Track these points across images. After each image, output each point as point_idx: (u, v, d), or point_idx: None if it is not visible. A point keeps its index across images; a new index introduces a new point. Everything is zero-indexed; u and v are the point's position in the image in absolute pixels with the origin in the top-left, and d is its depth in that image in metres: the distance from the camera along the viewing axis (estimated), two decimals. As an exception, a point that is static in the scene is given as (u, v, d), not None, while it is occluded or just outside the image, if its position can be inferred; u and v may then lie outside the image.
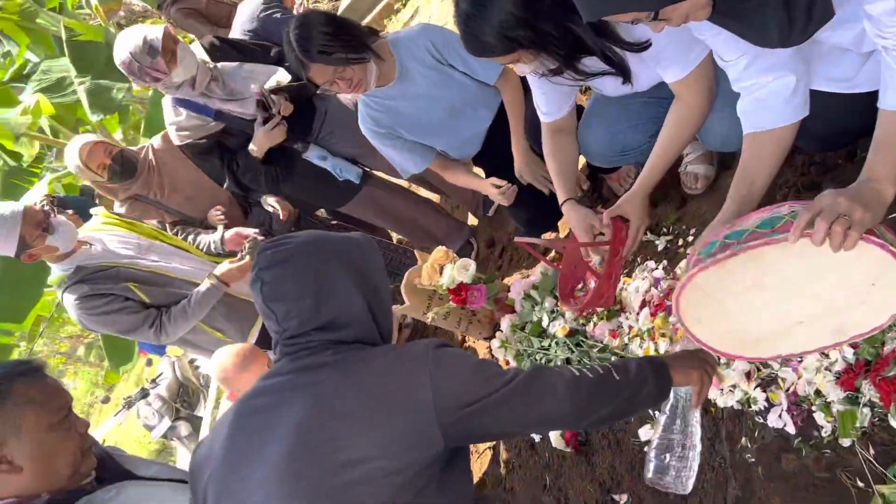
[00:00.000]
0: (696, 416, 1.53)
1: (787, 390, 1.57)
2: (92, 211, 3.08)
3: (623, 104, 2.13)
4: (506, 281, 2.76)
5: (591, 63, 1.83)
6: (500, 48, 1.67)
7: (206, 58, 2.94)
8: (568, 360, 2.19)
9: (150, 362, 8.75)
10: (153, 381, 6.46)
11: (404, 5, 6.05)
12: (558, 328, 2.24)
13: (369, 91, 2.45)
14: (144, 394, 6.26)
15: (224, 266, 2.82)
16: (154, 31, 2.72)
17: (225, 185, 3.08)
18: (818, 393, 1.51)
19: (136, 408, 6.29)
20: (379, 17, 6.04)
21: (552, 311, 2.33)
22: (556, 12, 1.60)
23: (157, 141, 3.29)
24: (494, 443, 2.60)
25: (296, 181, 3.05)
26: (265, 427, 1.33)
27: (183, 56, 2.74)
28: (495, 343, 2.52)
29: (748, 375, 1.67)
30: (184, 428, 6.18)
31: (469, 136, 2.69)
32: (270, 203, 3.14)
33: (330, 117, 3.00)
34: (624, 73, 1.86)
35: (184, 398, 6.31)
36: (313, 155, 2.92)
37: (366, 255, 1.51)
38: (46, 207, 2.70)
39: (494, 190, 2.62)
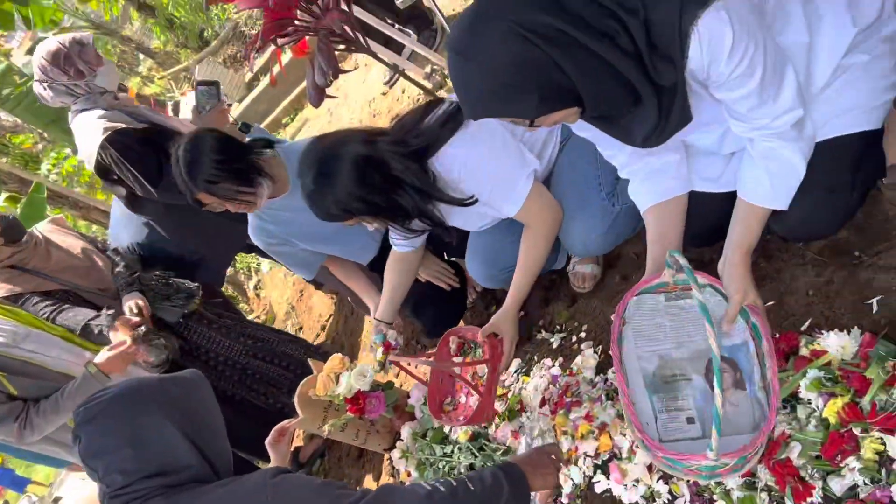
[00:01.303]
0: None
1: (688, 481, 1.59)
2: None
3: (496, 226, 2.25)
4: (405, 388, 2.70)
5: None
6: (340, 217, 1.91)
7: None
8: (472, 466, 2.14)
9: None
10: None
11: (292, 119, 6.15)
12: (461, 433, 2.20)
13: (259, 209, 2.43)
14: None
15: (104, 354, 2.54)
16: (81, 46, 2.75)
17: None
18: (718, 482, 1.53)
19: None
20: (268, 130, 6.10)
21: (453, 416, 2.29)
22: (386, 188, 1.85)
23: (44, 224, 3.06)
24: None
25: None
26: None
27: (107, 62, 2.76)
28: (396, 454, 2.44)
29: (650, 468, 1.68)
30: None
31: (362, 244, 2.69)
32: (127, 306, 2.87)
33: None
34: (444, 229, 2.05)
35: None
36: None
37: (190, 395, 1.53)
38: None
39: (375, 316, 2.70)
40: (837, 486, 1.32)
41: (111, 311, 2.75)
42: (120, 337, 2.65)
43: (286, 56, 5.07)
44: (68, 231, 3.09)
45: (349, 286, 2.81)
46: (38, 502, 5.82)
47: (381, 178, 1.83)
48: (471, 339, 2.26)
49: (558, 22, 1.19)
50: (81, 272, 2.89)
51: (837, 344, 1.42)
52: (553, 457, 1.75)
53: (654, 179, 1.67)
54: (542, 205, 2.01)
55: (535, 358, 2.28)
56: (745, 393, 1.50)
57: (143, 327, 2.68)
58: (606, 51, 1.22)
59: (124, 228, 3.21)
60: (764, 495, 1.44)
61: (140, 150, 2.84)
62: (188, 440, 1.44)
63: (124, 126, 2.82)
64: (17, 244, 2.78)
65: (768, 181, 1.46)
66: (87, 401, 1.46)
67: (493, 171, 1.92)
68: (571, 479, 1.84)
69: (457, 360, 2.28)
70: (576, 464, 1.85)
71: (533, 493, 1.60)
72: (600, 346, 2.10)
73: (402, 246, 2.33)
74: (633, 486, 1.70)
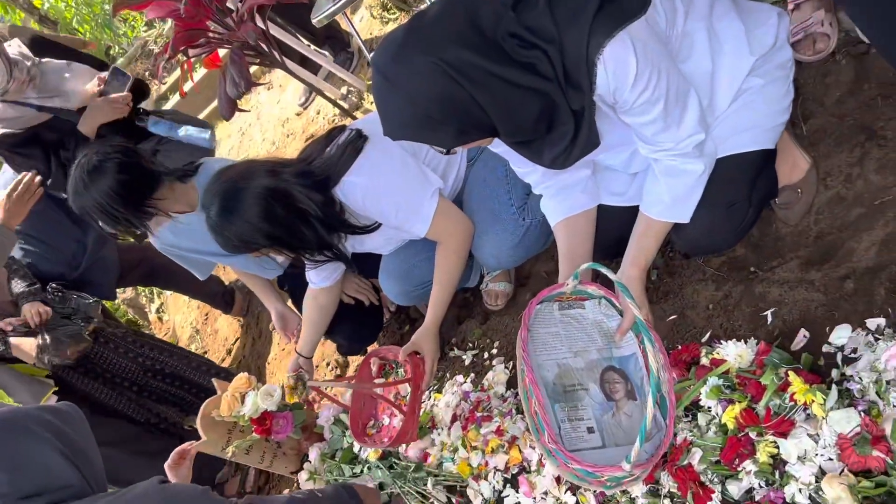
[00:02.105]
0: None
1: (595, 491, 1.61)
2: None
3: (408, 244, 2.27)
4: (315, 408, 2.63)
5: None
6: (244, 248, 1.89)
7: (27, 52, 2.75)
8: (381, 486, 2.10)
9: None
10: None
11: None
12: (370, 452, 2.15)
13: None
14: None
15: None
16: None
17: (49, 182, 2.78)
18: (624, 491, 1.55)
19: None
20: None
21: (363, 435, 2.25)
22: (290, 220, 1.84)
23: None
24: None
25: None
26: None
27: None
28: (303, 475, 2.36)
29: (558, 480, 1.69)
30: None
31: (267, 265, 2.63)
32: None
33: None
34: (345, 261, 2.08)
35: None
36: (160, 128, 2.77)
37: (66, 421, 1.57)
38: None
39: (278, 322, 2.81)
40: (735, 489, 1.37)
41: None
42: (24, 346, 2.54)
43: (197, 73, 4.96)
44: None
45: (252, 289, 2.82)
46: None
47: (286, 210, 1.82)
48: (392, 360, 2.24)
49: (481, 59, 1.22)
50: None
51: (735, 352, 1.48)
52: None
53: (564, 194, 1.72)
54: (451, 221, 2.03)
55: (448, 375, 2.27)
56: (637, 402, 1.54)
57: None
58: (530, 81, 1.25)
59: None
60: (667, 501, 1.47)
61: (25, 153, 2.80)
62: (67, 460, 1.46)
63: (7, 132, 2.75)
64: None
65: (669, 196, 1.53)
66: None
67: (397, 196, 1.94)
68: (481, 493, 1.84)
69: (378, 381, 2.26)
70: (486, 478, 1.84)
71: None
72: (511, 362, 2.11)
73: (317, 283, 2.31)
74: (542, 498, 1.71)
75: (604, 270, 1.43)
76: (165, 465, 2.19)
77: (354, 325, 2.61)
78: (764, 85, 1.50)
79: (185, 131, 2.93)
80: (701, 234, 1.61)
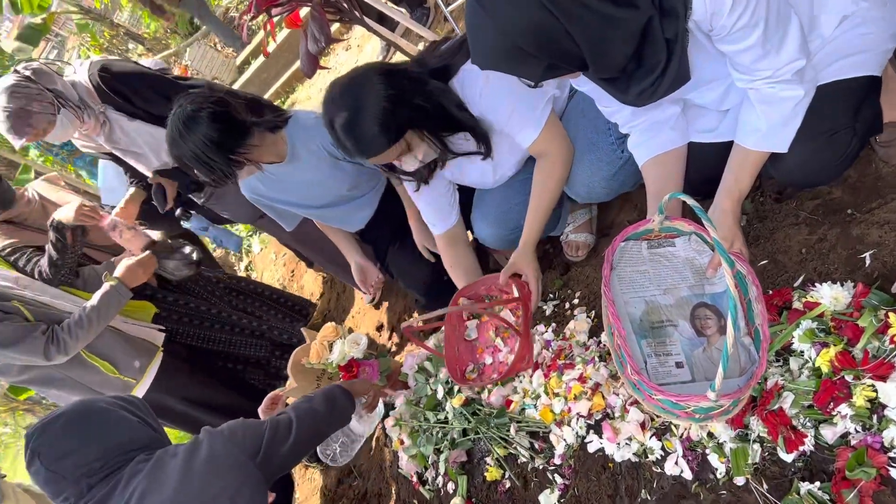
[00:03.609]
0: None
1: (681, 436, 1.60)
2: None
3: (505, 185, 2.22)
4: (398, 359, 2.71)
5: (458, 143, 1.95)
6: (386, 137, 1.76)
7: (93, 93, 2.75)
8: (465, 432, 2.14)
9: None
10: None
11: (283, 102, 6.13)
12: (454, 399, 2.20)
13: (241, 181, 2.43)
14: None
15: (123, 264, 2.53)
16: (13, 138, 2.55)
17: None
18: (710, 435, 1.54)
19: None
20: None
21: (447, 382, 2.29)
22: (416, 87, 1.77)
23: (39, 183, 3.08)
24: None
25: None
26: None
27: (51, 138, 2.62)
28: (389, 422, 2.43)
29: (643, 426, 1.69)
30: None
31: (354, 217, 2.70)
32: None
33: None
34: (486, 146, 1.97)
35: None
36: (195, 225, 2.84)
37: (138, 406, 1.81)
38: None
39: (357, 275, 2.81)
40: (829, 433, 1.33)
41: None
42: (125, 239, 2.71)
43: (280, 34, 5.05)
44: (63, 188, 3.08)
45: (333, 240, 2.84)
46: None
47: (412, 91, 1.76)
48: (485, 293, 2.19)
49: None
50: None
51: (830, 295, 1.43)
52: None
53: (654, 131, 1.68)
54: (559, 135, 1.97)
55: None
56: (732, 339, 1.51)
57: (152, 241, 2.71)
58: (625, 13, 1.22)
59: (119, 187, 3.20)
60: (756, 446, 1.44)
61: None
62: (143, 422, 1.74)
63: None
64: (11, 206, 2.81)
65: (766, 125, 1.47)
66: (37, 424, 1.65)
67: (514, 91, 1.85)
68: (564, 439, 1.85)
69: (473, 324, 2.24)
70: (568, 424, 1.85)
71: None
72: (593, 312, 2.10)
73: (440, 226, 2.28)
74: (626, 444, 1.71)
75: (688, 200, 1.38)
76: (259, 410, 2.31)
77: (431, 279, 2.61)
78: (871, 7, 1.42)
79: (216, 233, 3.05)
80: (800, 164, 1.54)
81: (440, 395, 2.28)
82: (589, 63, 1.29)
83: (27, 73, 2.57)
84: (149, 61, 3.07)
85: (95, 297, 2.48)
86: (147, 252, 2.62)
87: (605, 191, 2.04)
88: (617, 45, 1.27)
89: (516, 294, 2.05)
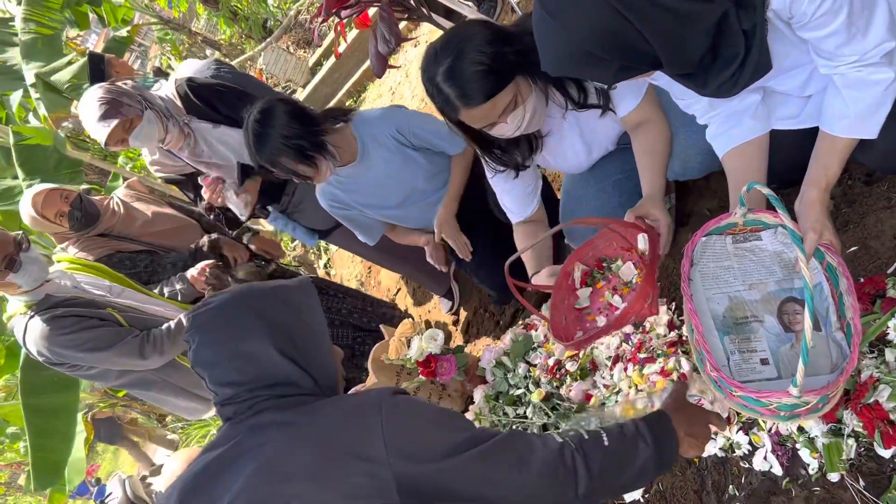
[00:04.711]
0: None
1: (770, 430, 1.55)
2: (53, 258, 2.89)
3: (598, 189, 2.17)
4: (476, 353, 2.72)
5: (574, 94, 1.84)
6: (494, 79, 1.62)
7: (178, 103, 2.85)
8: (545, 427, 2.14)
9: (98, 481, 8.24)
10: (102, 501, 6.07)
11: (355, 101, 6.23)
12: (534, 394, 2.20)
13: (323, 181, 2.47)
14: (95, 516, 5.86)
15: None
16: (102, 126, 2.64)
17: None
18: (801, 429, 1.49)
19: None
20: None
21: (525, 377, 2.29)
22: (520, 36, 1.63)
23: (121, 191, 3.18)
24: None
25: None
26: (211, 500, 1.25)
27: (136, 137, 2.70)
28: (469, 416, 2.45)
29: (728, 420, 1.65)
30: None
31: (430, 215, 2.70)
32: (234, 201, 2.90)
33: (300, 190, 3.01)
34: (605, 98, 1.86)
35: (136, 519, 5.93)
36: (277, 223, 2.93)
37: (291, 307, 1.42)
38: (20, 238, 2.50)
39: (430, 256, 2.78)
40: (931, 428, 1.28)
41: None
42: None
43: (350, 34, 5.13)
44: (146, 194, 3.20)
45: (407, 241, 2.86)
46: (127, 480, 6.03)
47: (518, 37, 1.64)
48: (602, 257, 1.94)
49: None
50: (166, 233, 3.02)
51: (928, 282, 1.36)
52: (711, 424, 1.45)
53: (733, 121, 1.62)
54: (658, 104, 1.89)
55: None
56: (822, 334, 1.45)
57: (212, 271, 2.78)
58: (699, 8, 1.19)
59: None
60: (851, 441, 1.39)
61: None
62: (287, 357, 1.36)
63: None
64: (97, 223, 2.89)
65: (853, 110, 1.40)
66: (196, 307, 1.42)
67: None
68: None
69: (585, 292, 1.94)
70: (651, 418, 1.83)
71: None
72: (673, 304, 2.06)
73: (519, 214, 2.21)
74: (713, 438, 1.67)
75: (763, 190, 1.33)
76: None
77: (503, 275, 2.57)
78: None
79: (294, 234, 3.10)
80: (892, 151, 1.47)
81: (519, 390, 2.28)
82: (664, 62, 1.26)
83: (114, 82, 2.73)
84: (200, 63, 3.25)
85: (181, 318, 2.57)
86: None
87: (700, 166, 1.93)
88: (692, 42, 1.23)
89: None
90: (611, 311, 1.85)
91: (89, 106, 2.63)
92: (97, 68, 3.24)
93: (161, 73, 3.42)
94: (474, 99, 1.64)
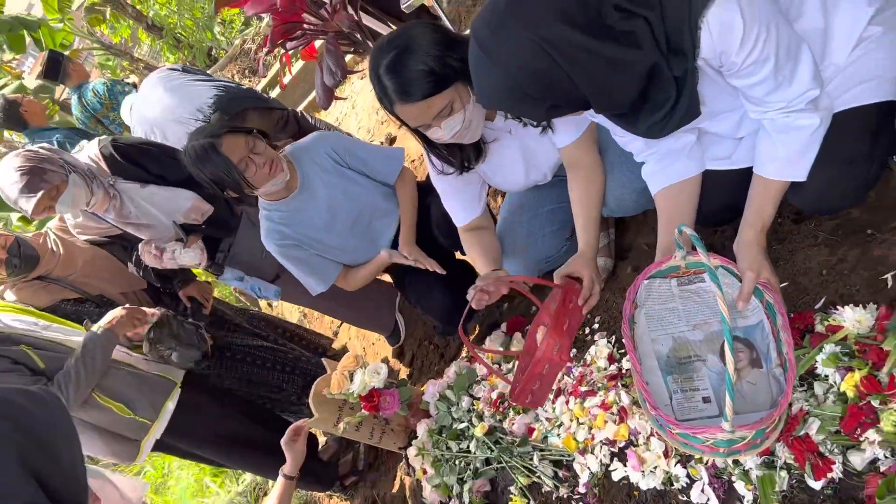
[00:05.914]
0: None
1: (706, 463, 1.58)
2: None
3: (531, 216, 2.23)
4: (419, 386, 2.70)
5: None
6: (434, 79, 1.62)
7: (103, 164, 2.72)
8: (488, 461, 2.13)
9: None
10: None
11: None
12: (476, 428, 2.19)
13: (271, 189, 2.40)
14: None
15: (109, 315, 2.46)
16: (27, 198, 2.47)
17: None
18: (736, 462, 1.52)
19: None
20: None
21: (469, 411, 2.28)
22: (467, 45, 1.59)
23: (54, 223, 3.00)
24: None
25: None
26: None
27: (62, 203, 2.53)
28: (412, 451, 2.43)
29: (665, 453, 1.67)
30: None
31: (376, 246, 2.66)
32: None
33: (235, 243, 2.97)
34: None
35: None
36: (230, 277, 2.84)
37: (47, 418, 1.18)
38: None
39: (387, 258, 2.61)
40: (858, 459, 1.31)
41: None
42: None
43: (295, 66, 5.12)
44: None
45: (360, 281, 2.70)
46: None
47: (465, 45, 1.54)
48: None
49: (582, 36, 1.20)
50: (108, 279, 2.94)
51: (854, 318, 1.42)
52: None
53: (669, 160, 1.67)
54: (595, 146, 1.92)
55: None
56: (763, 370, 1.49)
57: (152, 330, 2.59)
58: (631, 55, 1.24)
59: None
60: (784, 473, 1.42)
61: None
62: (26, 469, 1.08)
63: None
64: (36, 267, 2.74)
65: (783, 154, 1.46)
66: None
67: None
68: (588, 468, 1.84)
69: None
70: (592, 452, 1.84)
71: None
72: (614, 337, 2.09)
73: (464, 218, 2.21)
74: (651, 472, 1.69)
75: (687, 230, 1.38)
76: (282, 442, 2.30)
77: (448, 305, 2.57)
78: (884, 32, 1.42)
79: (253, 282, 2.96)
80: (820, 192, 1.53)
81: (461, 424, 2.27)
82: (592, 105, 1.31)
83: (32, 147, 2.58)
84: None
85: (82, 343, 2.37)
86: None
87: (635, 203, 2.00)
88: (621, 87, 1.28)
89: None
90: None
91: (9, 177, 2.45)
92: (55, 63, 3.13)
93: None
94: (411, 96, 1.65)
